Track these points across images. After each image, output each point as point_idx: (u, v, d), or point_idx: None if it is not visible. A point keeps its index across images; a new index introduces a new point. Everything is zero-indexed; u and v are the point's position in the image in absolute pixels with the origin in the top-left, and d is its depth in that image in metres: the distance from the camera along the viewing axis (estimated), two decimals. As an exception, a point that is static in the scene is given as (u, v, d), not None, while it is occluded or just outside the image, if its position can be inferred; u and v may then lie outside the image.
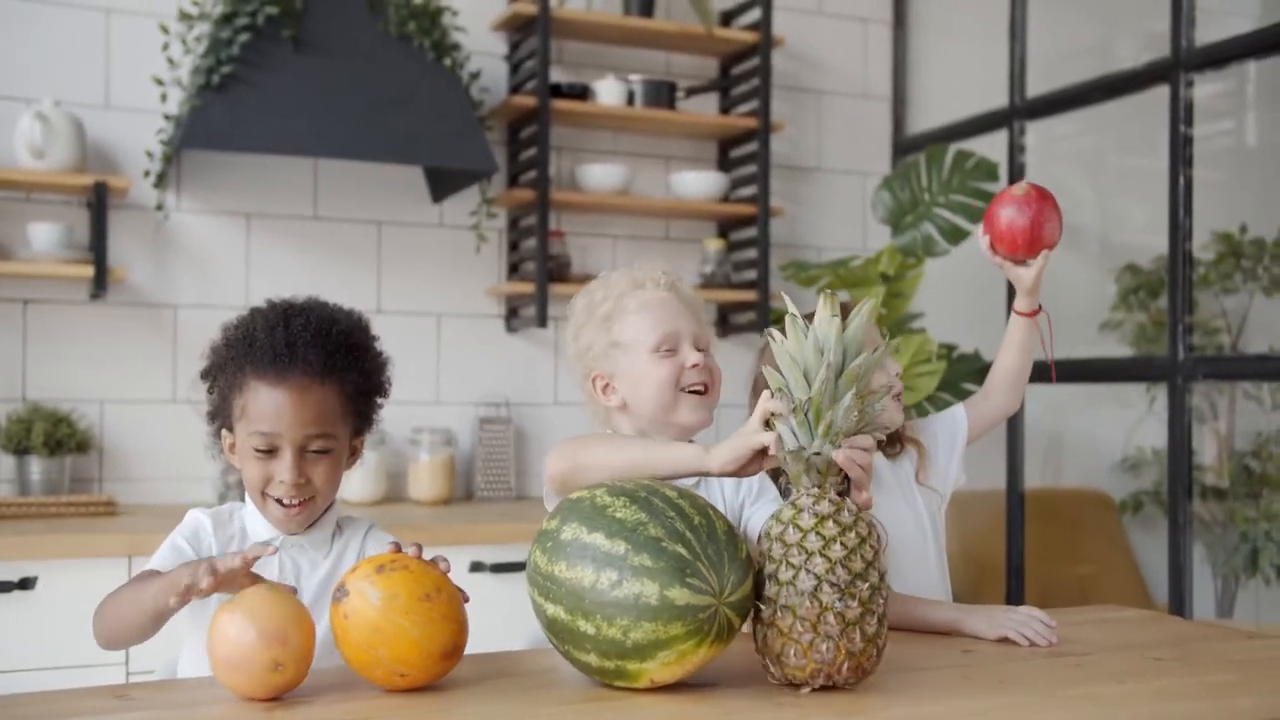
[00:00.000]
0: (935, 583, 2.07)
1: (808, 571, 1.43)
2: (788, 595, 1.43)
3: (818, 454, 1.47)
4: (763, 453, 1.49)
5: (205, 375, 1.75)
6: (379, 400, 1.79)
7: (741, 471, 1.53)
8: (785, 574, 1.43)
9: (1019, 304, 2.06)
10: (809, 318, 1.50)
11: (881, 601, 1.45)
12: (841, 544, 1.43)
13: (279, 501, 1.68)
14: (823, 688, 1.43)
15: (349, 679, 1.46)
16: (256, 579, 1.45)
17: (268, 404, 1.65)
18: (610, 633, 1.36)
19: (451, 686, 1.43)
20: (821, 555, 1.43)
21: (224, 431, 1.73)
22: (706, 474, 1.56)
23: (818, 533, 1.44)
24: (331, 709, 1.34)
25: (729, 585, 1.38)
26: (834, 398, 1.46)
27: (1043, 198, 1.93)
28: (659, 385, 1.83)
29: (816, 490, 1.48)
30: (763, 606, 1.45)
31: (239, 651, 1.34)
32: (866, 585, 1.43)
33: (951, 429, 2.17)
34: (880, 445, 2.10)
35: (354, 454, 1.77)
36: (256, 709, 1.34)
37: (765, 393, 1.51)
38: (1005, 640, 1.74)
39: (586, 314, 1.89)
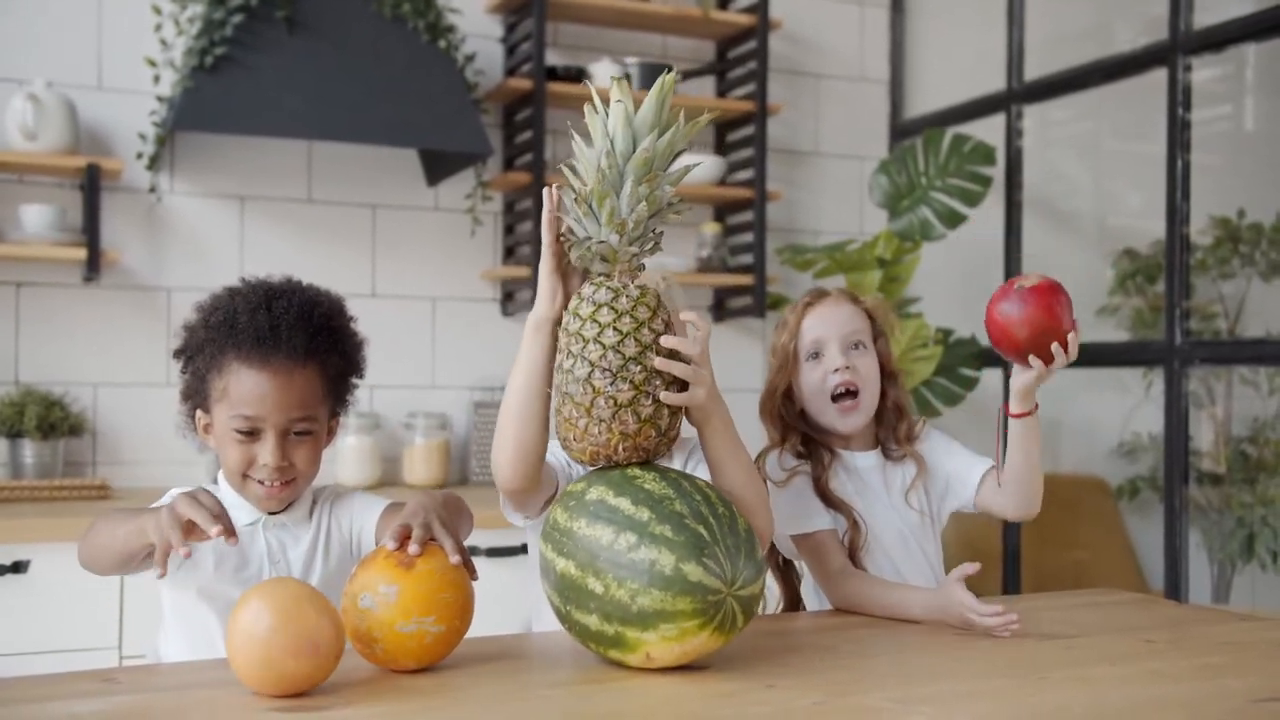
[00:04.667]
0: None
1: (583, 359, 1.46)
2: (567, 383, 1.47)
3: (602, 241, 1.48)
4: (561, 251, 1.52)
5: (179, 354, 1.74)
6: (355, 381, 1.80)
7: (567, 288, 1.54)
8: (567, 362, 1.47)
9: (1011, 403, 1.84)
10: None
11: (659, 384, 1.46)
12: (615, 329, 1.46)
13: (260, 482, 1.68)
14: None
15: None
16: (230, 531, 1.46)
17: (251, 387, 1.65)
18: (618, 594, 1.35)
19: (445, 668, 1.42)
20: (596, 342, 1.46)
21: (198, 412, 1.73)
22: (549, 318, 1.53)
23: (594, 320, 1.47)
24: (322, 691, 1.33)
25: (742, 578, 1.37)
26: (617, 184, 1.47)
27: (1016, 293, 1.71)
28: None
29: (601, 278, 1.50)
30: (553, 394, 1.50)
31: (265, 651, 1.28)
32: (639, 368, 1.45)
33: (962, 481, 1.98)
34: (883, 445, 2.01)
35: (330, 434, 1.78)
36: (240, 691, 1.33)
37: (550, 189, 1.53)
38: (967, 625, 1.66)
39: None
